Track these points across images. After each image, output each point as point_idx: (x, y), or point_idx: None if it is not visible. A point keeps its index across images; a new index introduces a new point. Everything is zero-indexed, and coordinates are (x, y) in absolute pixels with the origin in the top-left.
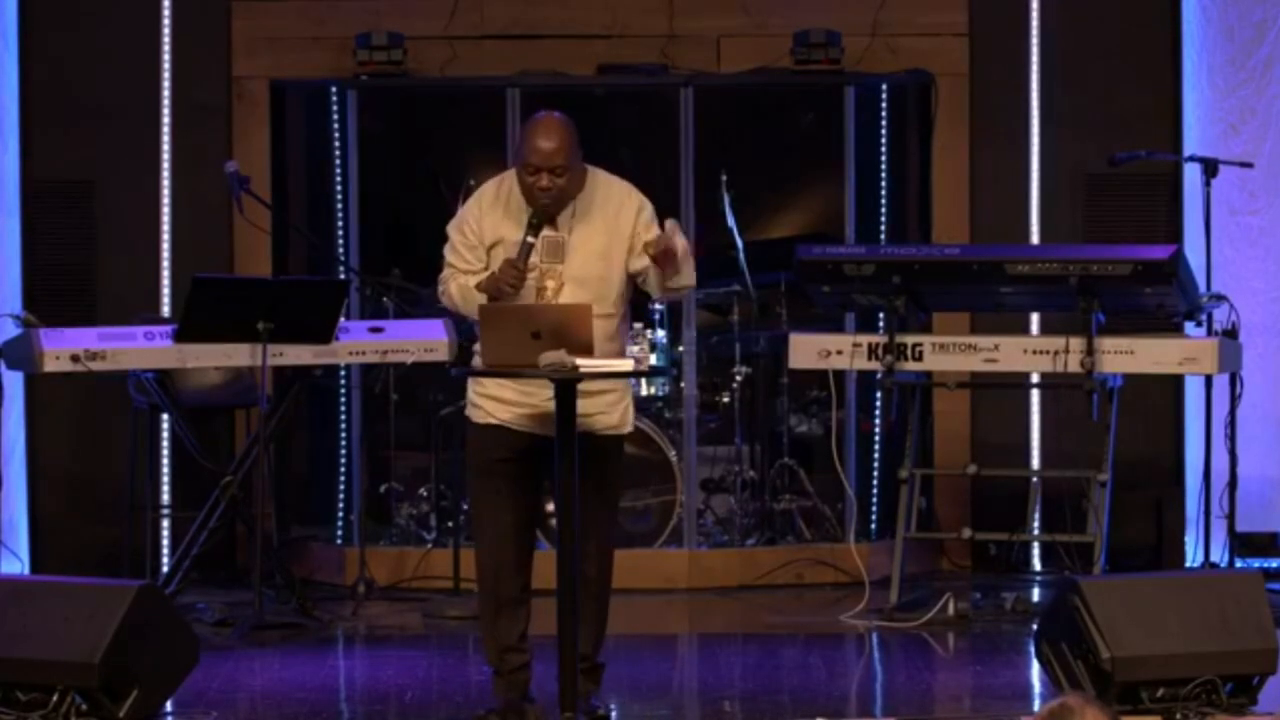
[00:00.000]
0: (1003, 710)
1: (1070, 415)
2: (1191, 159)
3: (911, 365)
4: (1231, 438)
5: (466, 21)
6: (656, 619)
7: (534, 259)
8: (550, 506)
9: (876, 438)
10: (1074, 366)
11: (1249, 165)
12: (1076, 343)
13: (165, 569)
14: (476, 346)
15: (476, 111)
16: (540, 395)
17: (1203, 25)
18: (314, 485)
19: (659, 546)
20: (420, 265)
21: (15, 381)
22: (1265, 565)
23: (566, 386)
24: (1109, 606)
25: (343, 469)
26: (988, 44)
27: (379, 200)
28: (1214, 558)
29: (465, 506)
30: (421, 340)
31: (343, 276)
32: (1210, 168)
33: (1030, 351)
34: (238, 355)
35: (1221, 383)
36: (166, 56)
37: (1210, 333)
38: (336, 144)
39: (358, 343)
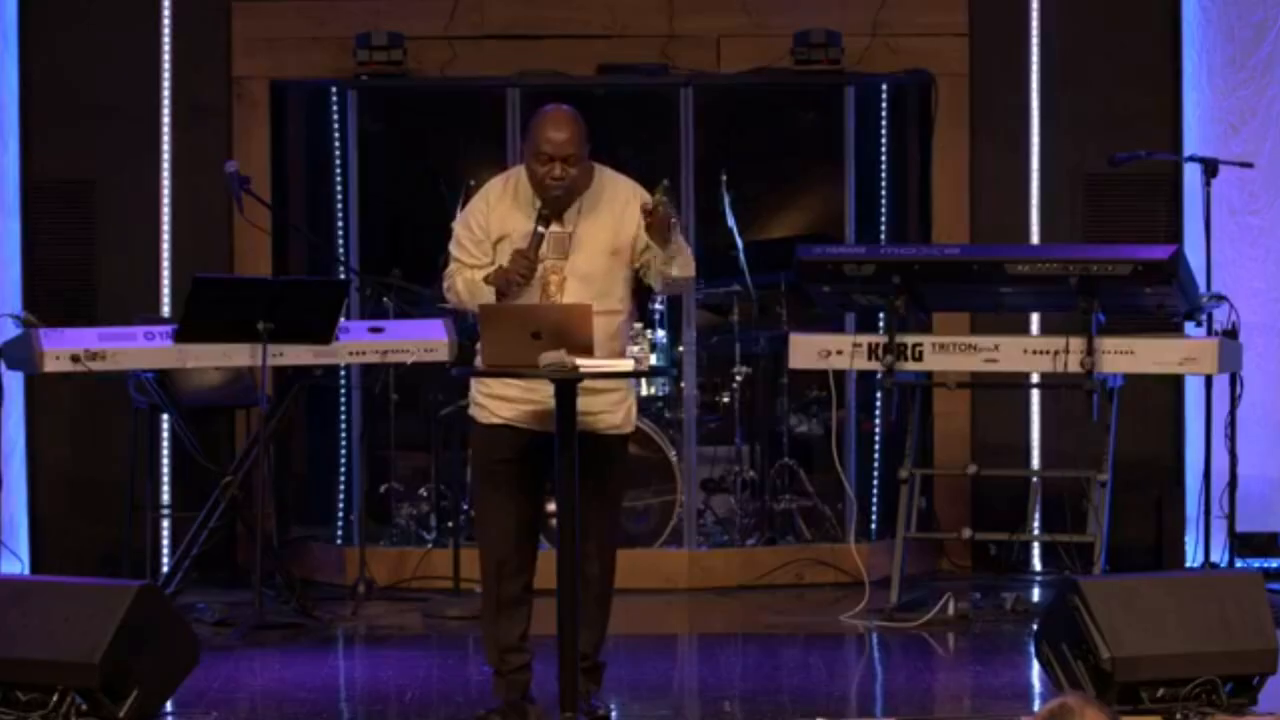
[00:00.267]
0: (1003, 710)
1: (1070, 415)
2: (1191, 159)
3: (911, 365)
4: (1231, 438)
5: (466, 21)
6: (656, 619)
7: (543, 254)
8: (552, 506)
9: (876, 438)
10: (1074, 366)
11: (1249, 165)
12: (1076, 343)
13: (165, 569)
14: (479, 346)
15: (476, 111)
16: (544, 393)
17: (1203, 25)
18: (314, 485)
19: (659, 546)
20: (420, 265)
21: (15, 381)
22: (1265, 565)
23: (566, 386)
24: (1109, 606)
25: (343, 469)
26: (988, 44)
27: (379, 200)
28: (1214, 558)
29: (465, 506)
30: (421, 340)
31: (343, 276)
32: (1210, 168)
33: (1030, 351)
34: (238, 355)
35: (1221, 383)
36: (166, 56)
37: (1210, 333)
38: (336, 144)
39: (358, 343)
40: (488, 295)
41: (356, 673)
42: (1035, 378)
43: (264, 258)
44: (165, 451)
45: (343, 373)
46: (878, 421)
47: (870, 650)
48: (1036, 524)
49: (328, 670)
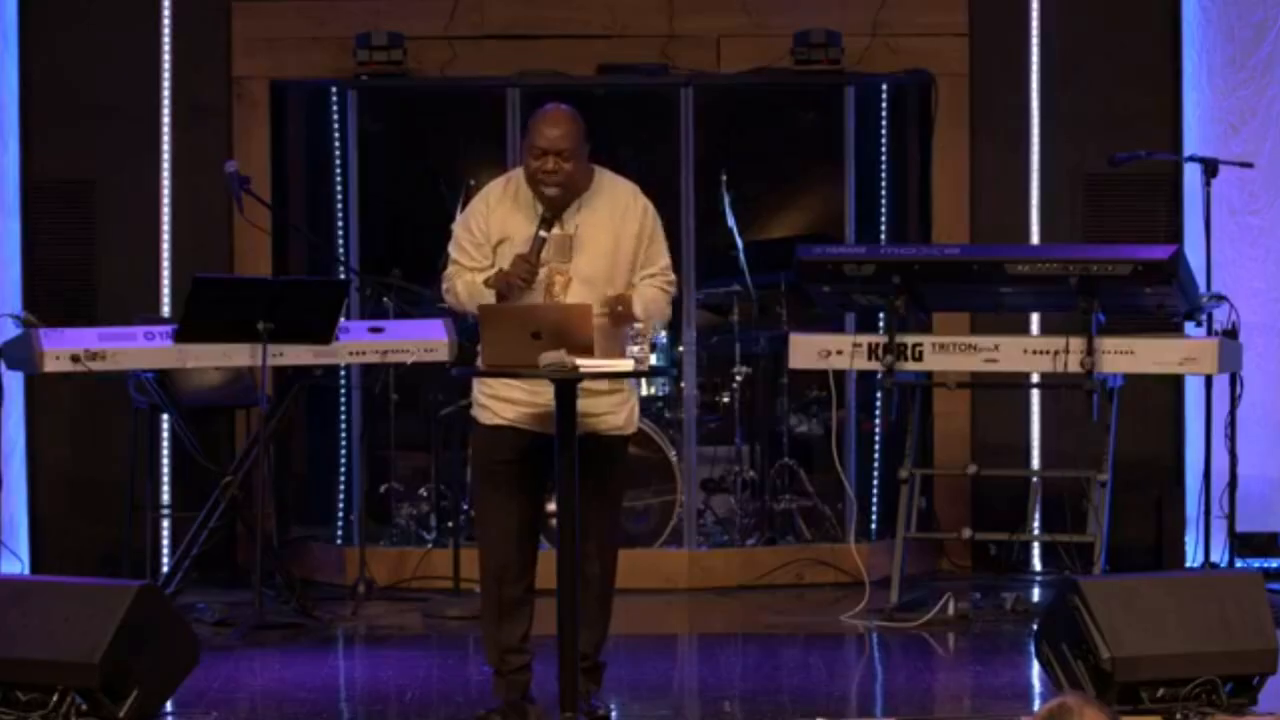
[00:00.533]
0: (1003, 710)
1: (1070, 415)
2: (1191, 159)
3: (911, 365)
4: (1231, 438)
5: (466, 21)
6: (656, 619)
7: (545, 257)
8: (552, 506)
9: (876, 438)
10: (1074, 366)
11: (1249, 165)
12: (1076, 343)
13: (165, 569)
14: (480, 347)
15: (476, 111)
16: (548, 394)
17: (1203, 25)
18: (314, 485)
19: (659, 546)
20: (420, 265)
21: (15, 381)
22: (1265, 565)
23: (566, 386)
24: (1109, 606)
25: (343, 469)
26: (988, 44)
27: (379, 200)
28: (1214, 558)
29: (465, 506)
30: (421, 340)
31: (343, 276)
32: (1210, 168)
33: (1030, 351)
34: (238, 355)
35: (1221, 383)
36: (166, 56)
37: (1210, 333)
38: (336, 144)
39: (358, 343)
40: (488, 298)
41: (356, 673)
42: (1035, 378)
43: (264, 258)
44: (165, 451)
45: (343, 373)
46: (878, 421)
47: (870, 650)
48: (1036, 524)
49: (328, 670)
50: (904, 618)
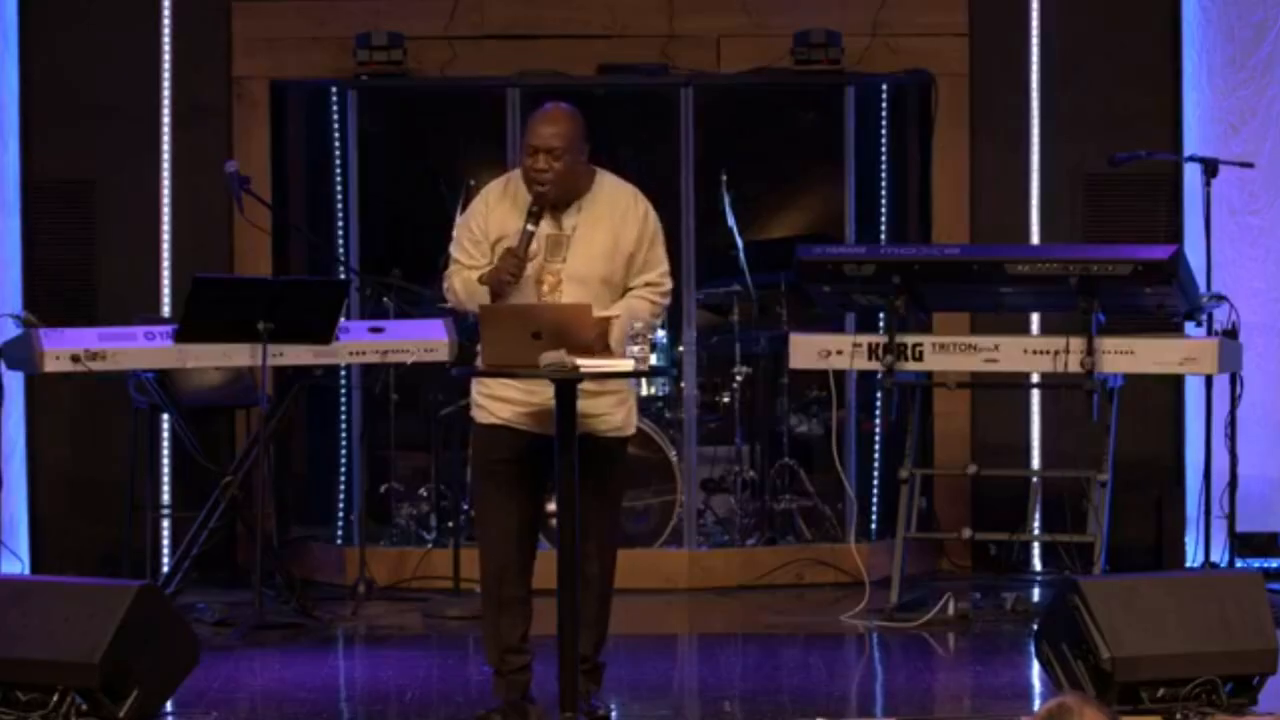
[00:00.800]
0: (1003, 710)
1: (1070, 415)
2: (1191, 159)
3: (911, 365)
4: (1231, 438)
5: (466, 21)
6: (656, 619)
7: (535, 250)
8: (552, 506)
9: (876, 438)
10: (1074, 366)
11: (1249, 165)
12: (1077, 343)
13: (165, 569)
14: (479, 347)
15: (476, 111)
16: (545, 394)
17: (1203, 25)
18: (314, 485)
19: (659, 546)
20: (420, 265)
21: (15, 381)
22: (1265, 565)
23: (566, 386)
24: (1109, 606)
25: (343, 469)
26: (988, 44)
27: (379, 200)
28: (1214, 558)
29: (465, 506)
30: (421, 340)
31: (343, 276)
32: (1210, 168)
33: (1030, 351)
34: (238, 355)
35: (1221, 383)
36: (166, 56)
37: (1210, 333)
38: (336, 144)
39: (358, 343)
40: (483, 295)
41: (356, 673)
42: (1035, 378)
43: (264, 258)
44: (165, 451)
45: (343, 373)
46: (878, 421)
47: (870, 650)
48: (1036, 524)
49: (328, 670)
50: (904, 618)
